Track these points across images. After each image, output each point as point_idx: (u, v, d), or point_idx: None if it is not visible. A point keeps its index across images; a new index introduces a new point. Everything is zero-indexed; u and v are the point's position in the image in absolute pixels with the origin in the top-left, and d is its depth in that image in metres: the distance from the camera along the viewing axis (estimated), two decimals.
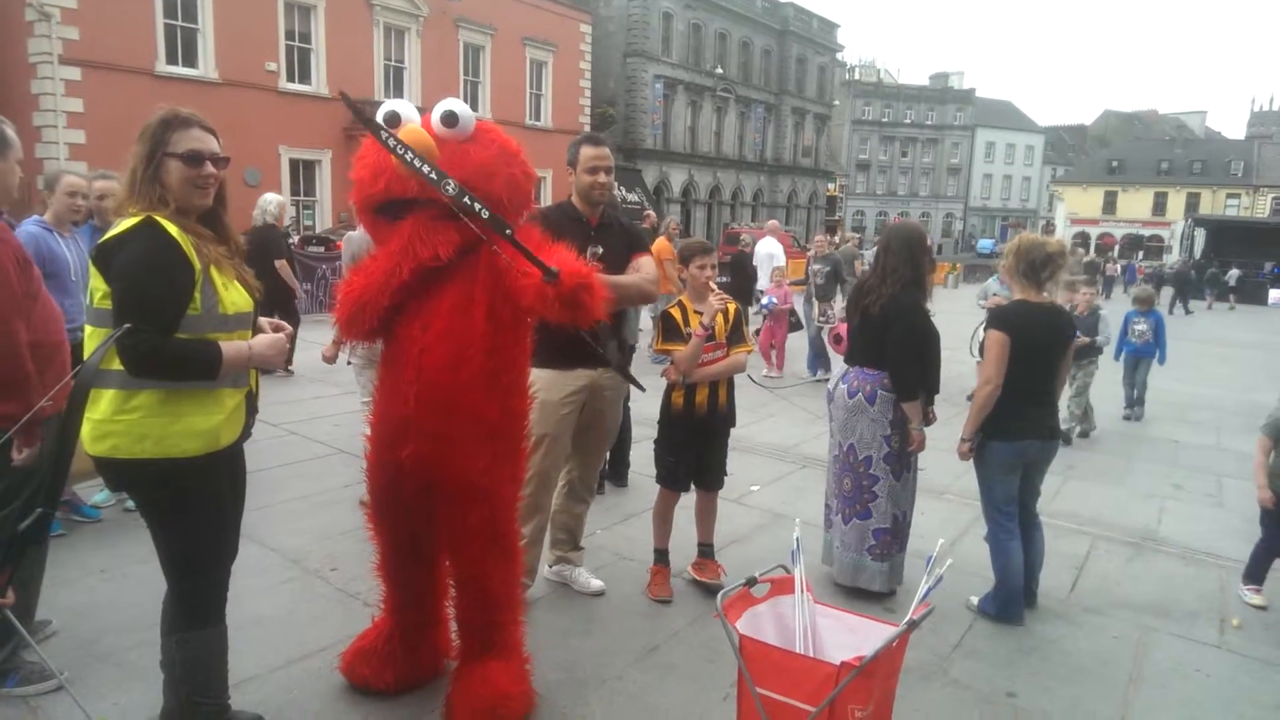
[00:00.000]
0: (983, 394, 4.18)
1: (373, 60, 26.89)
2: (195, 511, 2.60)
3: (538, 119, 32.80)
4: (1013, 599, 4.28)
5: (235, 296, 2.59)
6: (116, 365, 2.38)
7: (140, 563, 4.29)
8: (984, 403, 4.18)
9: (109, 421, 2.43)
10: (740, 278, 12.74)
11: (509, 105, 30.30)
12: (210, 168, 2.58)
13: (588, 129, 31.88)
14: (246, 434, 2.75)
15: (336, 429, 7.32)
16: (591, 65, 36.12)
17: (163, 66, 21.44)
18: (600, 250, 3.90)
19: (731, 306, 4.35)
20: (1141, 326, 9.66)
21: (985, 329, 4.26)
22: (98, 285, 2.44)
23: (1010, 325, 4.16)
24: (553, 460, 4.02)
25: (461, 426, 2.89)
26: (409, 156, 2.64)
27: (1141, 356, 9.65)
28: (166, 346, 2.38)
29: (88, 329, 2.52)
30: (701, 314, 4.18)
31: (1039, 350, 4.19)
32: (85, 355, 2.45)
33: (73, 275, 4.41)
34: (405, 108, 2.92)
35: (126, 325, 2.31)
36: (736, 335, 4.34)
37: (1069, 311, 4.28)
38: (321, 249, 16.71)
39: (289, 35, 24.56)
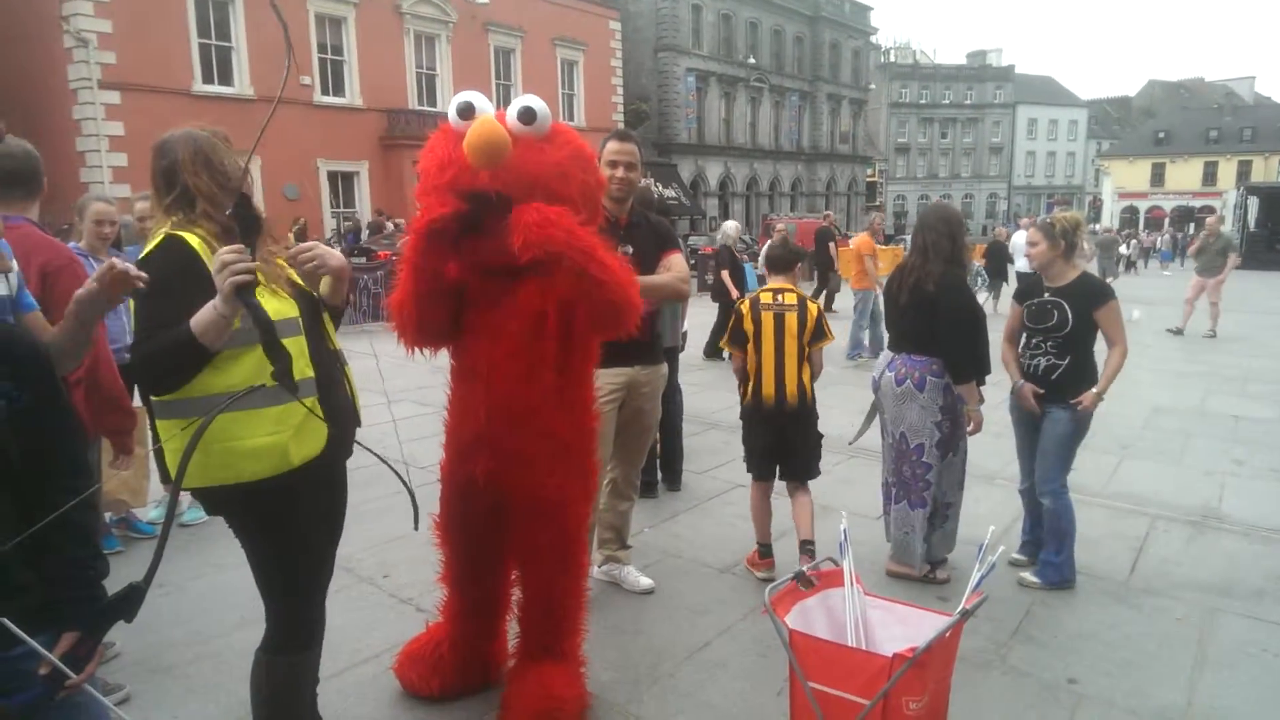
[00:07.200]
0: (1122, 357, 4.31)
1: (404, 69, 27.21)
2: (279, 535, 2.46)
3: (571, 118, 32.90)
4: (1071, 558, 4.38)
5: (269, 302, 2.27)
6: (182, 393, 2.24)
7: (196, 578, 4.37)
8: (1121, 363, 4.31)
9: (178, 453, 2.21)
10: (996, 262, 15.83)
11: None
12: None
13: (621, 126, 31.90)
14: (341, 449, 2.56)
15: (385, 436, 7.31)
16: (623, 62, 36.19)
17: (199, 86, 21.91)
18: (630, 250, 3.87)
19: (813, 306, 4.41)
20: None
21: (1105, 299, 4.36)
22: None
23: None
24: (600, 458, 4.01)
25: (534, 443, 2.88)
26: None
27: None
28: (140, 351, 2.22)
29: None
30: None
31: None
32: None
33: None
34: (480, 99, 2.82)
35: (260, 386, 2.21)
36: (818, 334, 4.39)
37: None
38: (363, 259, 16.82)
39: (321, 48, 24.95)
